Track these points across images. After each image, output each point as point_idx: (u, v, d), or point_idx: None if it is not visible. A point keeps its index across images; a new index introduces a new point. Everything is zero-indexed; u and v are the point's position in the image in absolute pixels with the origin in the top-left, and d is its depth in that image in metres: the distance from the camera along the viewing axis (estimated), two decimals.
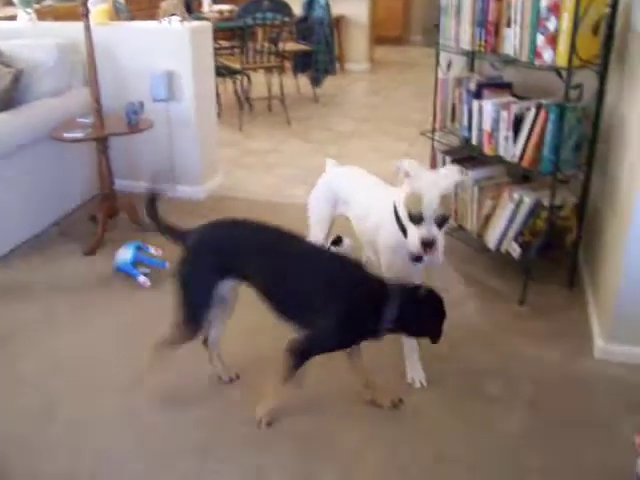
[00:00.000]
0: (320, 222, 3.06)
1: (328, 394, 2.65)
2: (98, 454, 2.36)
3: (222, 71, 6.23)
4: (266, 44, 6.40)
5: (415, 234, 2.36)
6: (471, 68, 3.77)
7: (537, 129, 3.07)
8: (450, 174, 2.47)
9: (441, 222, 2.37)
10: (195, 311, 2.39)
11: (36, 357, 2.91)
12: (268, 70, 6.79)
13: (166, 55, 4.25)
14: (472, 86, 3.44)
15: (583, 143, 3.14)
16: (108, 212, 3.97)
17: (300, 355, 2.28)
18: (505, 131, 3.21)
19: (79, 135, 3.68)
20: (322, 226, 3.05)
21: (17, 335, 3.08)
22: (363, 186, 2.94)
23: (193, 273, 2.38)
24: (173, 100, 4.33)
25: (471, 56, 3.69)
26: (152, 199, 2.48)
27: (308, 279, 2.30)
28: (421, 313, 2.33)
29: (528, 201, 3.23)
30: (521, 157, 3.16)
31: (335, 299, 2.25)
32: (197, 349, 2.66)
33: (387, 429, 2.47)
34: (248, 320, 2.84)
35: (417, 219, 2.35)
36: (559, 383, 2.70)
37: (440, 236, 2.37)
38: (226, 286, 2.42)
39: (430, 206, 2.31)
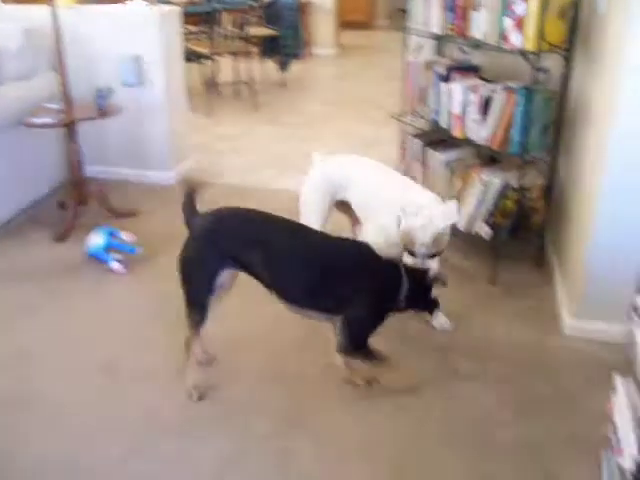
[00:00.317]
0: (316, 213, 3.06)
1: (306, 375, 2.69)
2: (76, 436, 2.37)
3: (190, 56, 6.19)
4: (233, 29, 6.37)
5: (409, 260, 2.52)
6: (440, 52, 3.81)
7: (505, 112, 3.12)
8: (448, 214, 2.54)
9: (434, 255, 2.55)
10: (197, 297, 2.41)
11: (5, 341, 2.90)
12: (236, 55, 6.77)
13: (135, 40, 4.22)
14: (441, 69, 3.49)
15: (550, 125, 3.20)
16: (78, 198, 3.94)
17: (354, 351, 2.45)
18: (474, 114, 3.26)
19: (48, 120, 3.64)
20: (318, 217, 3.04)
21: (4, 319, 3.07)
22: (372, 177, 2.97)
23: (196, 260, 2.40)
24: (142, 85, 4.31)
25: (440, 40, 3.73)
26: (190, 197, 2.51)
27: (325, 267, 2.37)
28: (426, 292, 2.47)
29: (497, 182, 3.29)
30: (490, 139, 3.22)
31: (360, 284, 2.37)
32: (175, 332, 2.68)
33: (363, 407, 2.52)
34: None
35: (410, 253, 2.51)
36: (529, 360, 2.77)
37: (434, 264, 2.59)
38: (227, 274, 2.43)
39: (421, 248, 2.48)
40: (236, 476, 2.20)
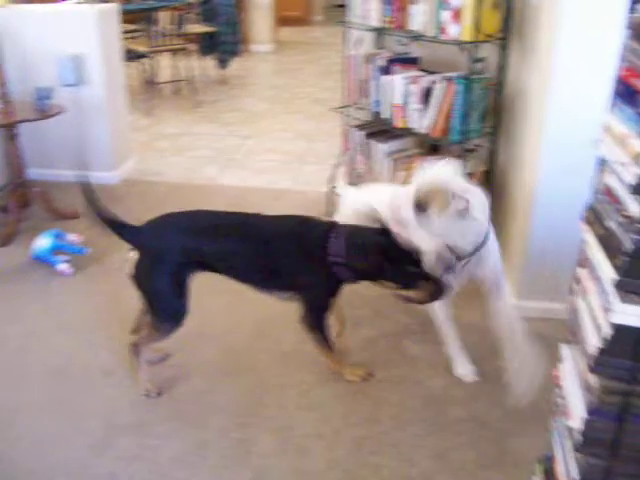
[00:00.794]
0: None
1: (261, 366, 2.73)
2: (32, 441, 2.35)
3: (128, 55, 6.12)
4: (171, 26, 6.32)
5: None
6: (379, 45, 3.88)
7: (445, 101, 3.21)
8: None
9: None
10: (171, 308, 2.40)
11: None
12: (174, 53, 6.72)
13: (73, 38, 4.17)
14: (381, 62, 3.56)
15: (489, 113, 3.31)
16: (20, 201, 3.88)
17: (313, 324, 2.45)
18: (415, 104, 3.34)
19: None
20: None
21: None
22: None
23: (161, 271, 2.35)
24: (82, 84, 4.26)
25: (379, 33, 3.80)
26: (89, 190, 2.40)
27: (267, 246, 2.36)
28: (370, 252, 2.28)
29: None
30: (431, 128, 3.31)
31: (297, 258, 2.36)
32: (127, 331, 2.68)
33: (318, 395, 2.57)
34: None
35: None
36: (477, 340, 2.87)
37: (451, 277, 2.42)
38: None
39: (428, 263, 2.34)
40: (195, 469, 2.22)
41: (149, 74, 6.70)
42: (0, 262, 3.55)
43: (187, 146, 5.43)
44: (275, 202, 4.15)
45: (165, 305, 2.39)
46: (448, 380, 2.64)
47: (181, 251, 2.34)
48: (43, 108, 3.70)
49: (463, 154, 3.24)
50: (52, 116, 3.72)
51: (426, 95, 3.29)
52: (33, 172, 4.12)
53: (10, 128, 3.71)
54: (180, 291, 2.36)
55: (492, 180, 3.49)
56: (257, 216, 2.47)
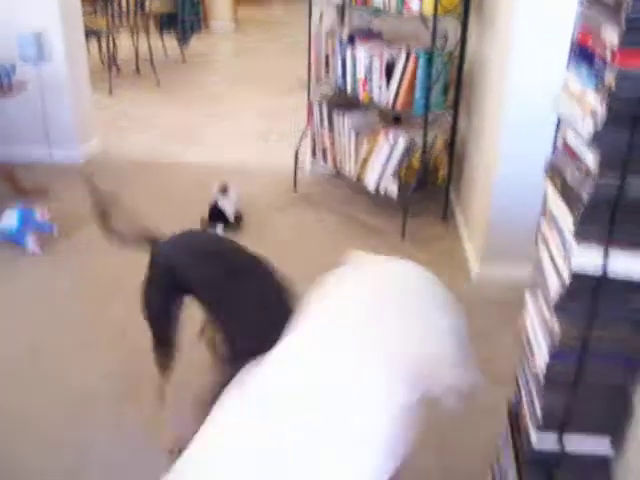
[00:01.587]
0: None
1: None
2: (8, 422, 2.38)
3: (87, 33, 6.05)
4: (131, 4, 6.27)
5: None
6: (342, 20, 3.93)
7: (408, 74, 3.29)
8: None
9: None
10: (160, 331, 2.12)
11: None
12: (134, 31, 6.66)
13: (33, 13, 4.11)
14: (344, 37, 3.61)
15: (450, 85, 3.40)
16: None
17: None
18: (378, 78, 3.41)
19: None
20: None
21: None
22: None
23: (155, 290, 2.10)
24: (43, 60, 4.20)
25: (342, 8, 3.85)
26: (103, 210, 2.19)
27: None
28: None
29: (402, 141, 3.46)
30: (394, 101, 3.38)
31: None
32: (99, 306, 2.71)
33: None
34: None
35: None
36: None
37: None
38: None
39: None
40: None
41: (108, 53, 6.64)
42: None
43: (150, 125, 5.41)
44: (241, 179, 4.17)
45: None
46: None
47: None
48: (5, 85, 3.67)
49: (425, 125, 3.33)
50: (14, 93, 3.70)
51: (389, 69, 3.36)
52: None
53: None
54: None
55: (454, 150, 3.59)
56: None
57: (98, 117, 5.15)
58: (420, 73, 3.24)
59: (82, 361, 2.65)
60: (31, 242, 3.42)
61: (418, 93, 3.28)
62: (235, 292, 1.89)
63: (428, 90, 3.25)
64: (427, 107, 3.29)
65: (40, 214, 3.55)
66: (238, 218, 3.67)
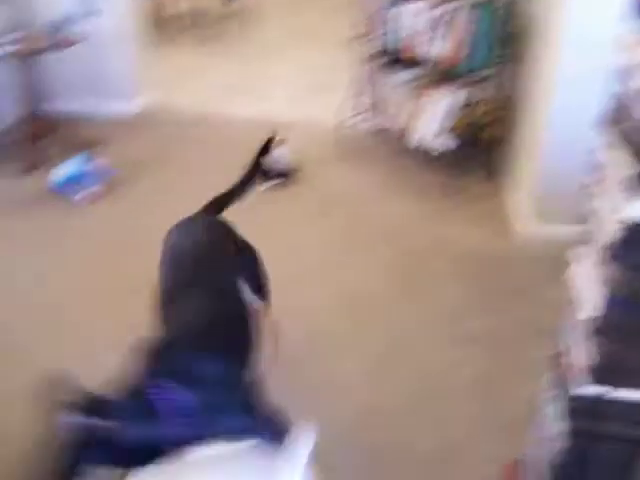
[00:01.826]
0: None
1: None
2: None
3: None
4: None
5: None
6: None
7: (457, 29, 3.26)
8: None
9: None
10: None
11: None
12: None
13: None
14: None
15: (501, 41, 3.35)
16: (41, 132, 3.94)
17: None
18: (427, 34, 3.39)
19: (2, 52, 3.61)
20: None
21: None
22: None
23: None
24: (97, 14, 4.22)
25: None
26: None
27: None
28: None
29: (451, 98, 3.45)
30: (443, 57, 3.36)
31: None
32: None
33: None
34: None
35: None
36: (487, 260, 3.00)
37: None
38: None
39: None
40: None
41: (157, 8, 6.63)
42: (23, 191, 3.66)
43: (201, 79, 5.42)
44: (291, 133, 4.16)
45: None
46: (464, 293, 2.78)
47: None
48: (60, 37, 3.73)
49: (474, 82, 3.31)
50: (69, 46, 3.75)
51: (438, 24, 3.33)
52: (53, 103, 4.15)
53: (27, 58, 3.73)
54: None
55: (503, 107, 3.56)
56: None
57: (152, 71, 5.18)
58: (470, 28, 3.21)
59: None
60: (85, 192, 3.54)
61: (469, 48, 3.25)
62: (175, 311, 1.76)
63: (477, 45, 3.22)
64: (477, 63, 3.26)
65: (99, 161, 3.64)
66: (289, 172, 3.72)
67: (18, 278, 2.96)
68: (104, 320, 2.66)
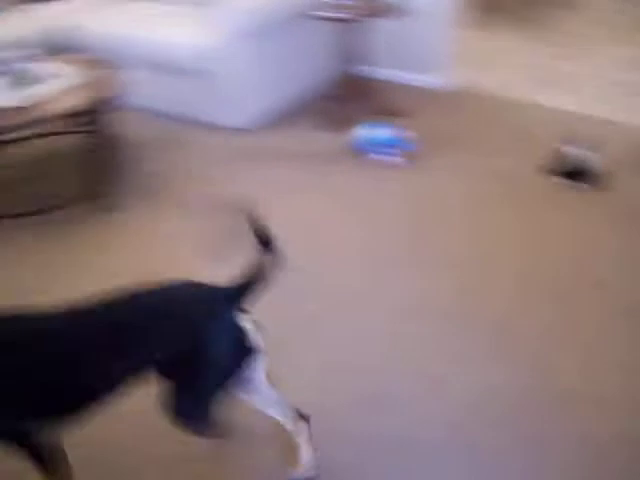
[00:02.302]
0: None
1: None
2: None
3: None
4: None
5: None
6: None
7: None
8: None
9: None
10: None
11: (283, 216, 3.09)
12: None
13: None
14: None
15: None
16: (352, 93, 4.07)
17: None
18: None
19: (343, 15, 3.71)
20: None
21: (268, 196, 3.34)
22: None
23: None
24: None
25: None
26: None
27: None
28: None
29: None
30: None
31: None
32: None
33: None
34: None
35: None
36: None
37: None
38: None
39: None
40: None
41: None
42: (327, 145, 3.82)
43: (510, 63, 5.24)
44: (598, 133, 3.83)
45: None
46: None
47: None
48: (388, 7, 3.79)
49: None
50: (395, 17, 3.83)
51: None
52: (366, 68, 4.25)
53: (356, 23, 3.82)
54: None
55: None
56: None
57: (464, 48, 5.10)
58: None
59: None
60: (384, 158, 3.60)
61: None
62: None
63: None
64: None
65: (405, 131, 3.65)
66: (593, 175, 3.34)
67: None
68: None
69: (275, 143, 3.86)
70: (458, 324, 2.44)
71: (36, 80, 3.23)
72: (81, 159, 3.55)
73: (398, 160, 3.57)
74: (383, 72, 4.60)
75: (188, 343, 1.54)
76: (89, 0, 4.77)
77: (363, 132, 3.66)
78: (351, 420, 2.08)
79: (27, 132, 3.16)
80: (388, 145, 3.60)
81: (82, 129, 3.34)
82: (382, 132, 3.62)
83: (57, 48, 4.11)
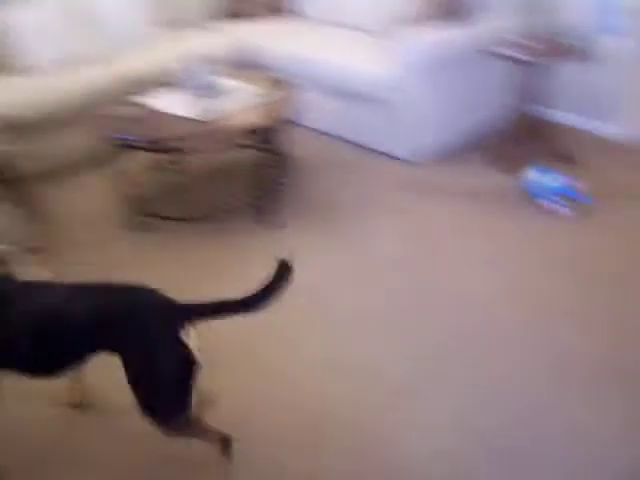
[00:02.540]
0: None
1: None
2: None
3: None
4: None
5: None
6: None
7: None
8: None
9: None
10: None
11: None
12: None
13: None
14: None
15: None
16: (528, 134, 3.93)
17: None
18: None
19: (524, 56, 3.61)
20: None
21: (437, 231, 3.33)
22: None
23: None
24: (618, 32, 4.00)
25: None
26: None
27: None
28: None
29: None
30: None
31: None
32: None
33: None
34: None
35: None
36: None
37: None
38: None
39: None
40: None
41: None
42: (497, 188, 3.71)
43: None
44: None
45: None
46: None
47: None
48: (576, 49, 3.65)
49: None
50: (582, 60, 3.70)
51: None
52: (536, 109, 4.10)
53: (537, 64, 3.69)
54: None
55: None
56: None
57: None
58: None
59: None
60: (553, 206, 3.44)
61: None
62: None
63: None
64: None
65: (579, 182, 3.47)
66: None
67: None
68: None
69: (444, 178, 3.82)
70: None
71: (220, 94, 3.40)
72: (252, 174, 3.69)
73: (566, 211, 3.39)
74: (561, 116, 4.41)
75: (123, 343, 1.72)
76: (278, 21, 4.97)
77: (534, 176, 3.53)
78: None
79: (206, 143, 3.30)
80: (558, 193, 3.43)
81: (257, 145, 3.46)
82: (553, 179, 3.46)
83: (241, 65, 4.32)
